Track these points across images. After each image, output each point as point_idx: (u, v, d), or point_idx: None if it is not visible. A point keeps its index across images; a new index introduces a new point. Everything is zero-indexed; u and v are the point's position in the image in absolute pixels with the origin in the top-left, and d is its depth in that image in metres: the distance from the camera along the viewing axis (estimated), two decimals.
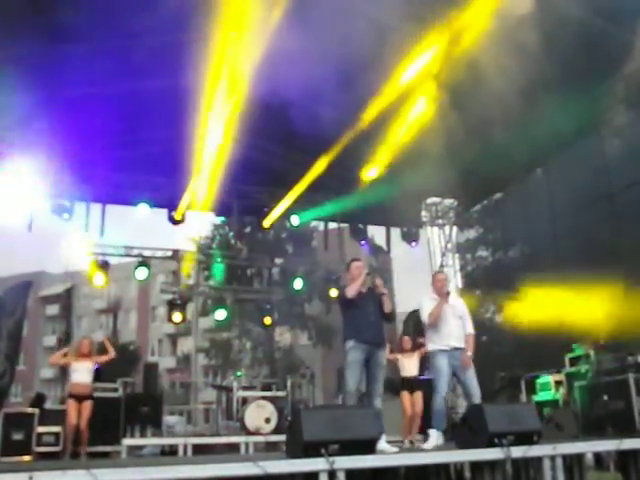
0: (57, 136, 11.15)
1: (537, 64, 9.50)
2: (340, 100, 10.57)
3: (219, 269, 18.21)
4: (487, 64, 9.16)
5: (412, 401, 10.62)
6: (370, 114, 11.24)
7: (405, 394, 10.65)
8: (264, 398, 13.32)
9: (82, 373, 10.49)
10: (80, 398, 10.32)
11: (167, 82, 10.64)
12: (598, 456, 8.30)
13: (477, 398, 7.96)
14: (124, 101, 10.92)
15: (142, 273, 15.55)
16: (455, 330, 8.17)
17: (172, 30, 9.47)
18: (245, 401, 13.44)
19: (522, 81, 9.14)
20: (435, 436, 7.92)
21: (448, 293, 8.36)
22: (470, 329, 8.32)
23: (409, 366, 10.75)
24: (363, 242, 16.96)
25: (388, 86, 10.54)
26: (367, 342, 7.58)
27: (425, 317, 8.24)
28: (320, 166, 13.11)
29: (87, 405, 10.35)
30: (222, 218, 23.89)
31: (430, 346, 8.24)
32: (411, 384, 10.70)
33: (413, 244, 17.04)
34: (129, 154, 12.85)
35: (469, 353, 8.13)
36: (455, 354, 8.07)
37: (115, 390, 12.79)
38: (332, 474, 5.40)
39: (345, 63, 9.72)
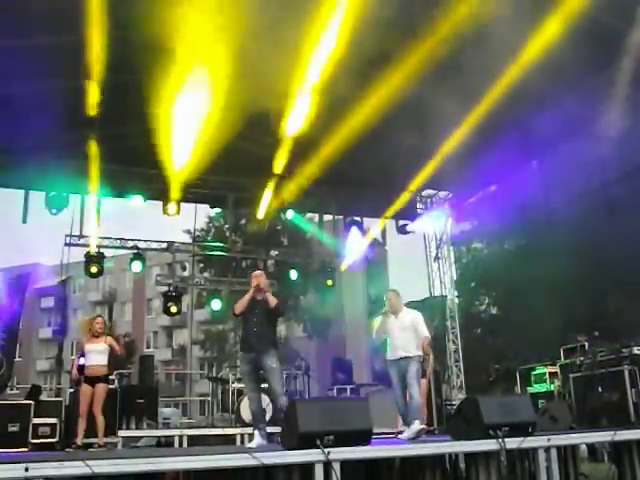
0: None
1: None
2: None
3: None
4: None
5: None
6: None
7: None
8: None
9: (97, 354, 9.84)
10: (94, 381, 9.70)
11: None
12: (592, 447, 8.37)
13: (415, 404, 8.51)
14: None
15: (137, 265, 15.54)
16: (401, 342, 8.79)
17: None
18: (240, 393, 13.44)
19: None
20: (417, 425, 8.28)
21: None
22: (425, 333, 8.97)
23: None
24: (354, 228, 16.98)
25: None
26: (252, 351, 7.97)
27: (374, 336, 9.28)
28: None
29: (101, 388, 9.75)
30: (217, 210, 23.80)
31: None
32: None
33: (410, 234, 17.07)
34: (123, 146, 12.81)
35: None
36: (401, 363, 8.70)
37: (111, 382, 12.80)
38: (327, 465, 5.42)
39: None
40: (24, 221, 13.69)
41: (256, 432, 7.92)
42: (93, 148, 12.51)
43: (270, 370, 7.94)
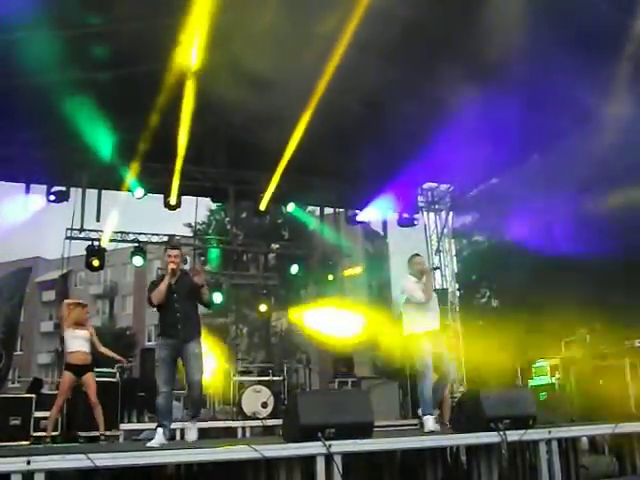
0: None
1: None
2: None
3: (215, 253, 18.22)
4: None
5: None
6: None
7: None
8: (261, 383, 13.38)
9: (81, 340, 9.32)
10: (81, 370, 9.23)
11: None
12: (593, 440, 8.38)
13: (450, 379, 8.02)
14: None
15: (138, 259, 15.54)
16: (435, 312, 8.26)
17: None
18: (242, 386, 13.48)
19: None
20: (431, 421, 7.88)
21: (437, 268, 8.50)
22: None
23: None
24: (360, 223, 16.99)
25: None
26: (176, 338, 7.36)
27: (420, 296, 8.11)
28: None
29: (89, 377, 9.30)
30: (218, 203, 23.79)
31: (415, 328, 8.13)
32: None
33: (415, 222, 17.03)
34: (124, 139, 12.78)
35: None
36: (434, 335, 8.10)
37: (112, 375, 12.79)
38: (329, 458, 5.42)
39: None
40: (25, 214, 13.67)
41: (160, 430, 7.09)
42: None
43: (193, 357, 7.37)
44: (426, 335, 8.02)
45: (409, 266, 8.49)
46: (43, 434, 9.78)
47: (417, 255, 8.67)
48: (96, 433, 9.69)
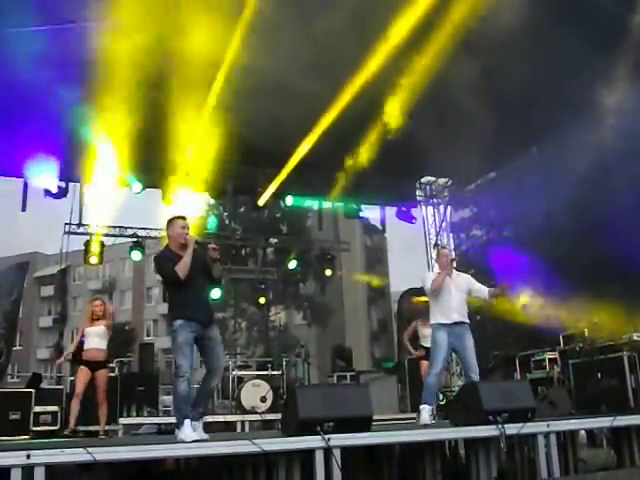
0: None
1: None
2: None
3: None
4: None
5: None
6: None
7: (425, 364, 9.97)
8: (259, 377, 13.40)
9: (95, 337, 9.64)
10: (93, 366, 9.52)
11: None
12: (591, 433, 8.39)
13: (476, 375, 7.95)
14: None
15: (137, 254, 15.55)
16: (457, 304, 8.13)
17: None
18: (241, 380, 13.52)
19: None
20: (427, 411, 7.88)
21: (454, 259, 8.43)
22: (485, 293, 8.34)
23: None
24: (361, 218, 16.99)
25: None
26: (195, 320, 6.62)
27: (428, 286, 8.16)
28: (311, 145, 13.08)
29: (103, 374, 9.64)
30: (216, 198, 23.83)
31: (432, 319, 8.18)
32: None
33: (413, 221, 17.00)
34: (123, 133, 12.76)
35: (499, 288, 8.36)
36: (455, 329, 8.02)
37: (111, 370, 12.83)
38: (328, 451, 5.43)
39: None
40: (23, 210, 13.66)
41: (188, 422, 6.30)
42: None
43: (217, 342, 6.86)
44: (441, 327, 8.03)
45: (436, 258, 8.63)
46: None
47: (442, 247, 8.70)
48: (96, 428, 9.72)
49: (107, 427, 10.36)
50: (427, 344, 10.11)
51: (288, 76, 10.05)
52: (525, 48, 9.87)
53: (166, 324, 7.71)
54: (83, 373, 9.49)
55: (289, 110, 10.29)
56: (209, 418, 12.26)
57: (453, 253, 17.90)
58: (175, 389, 6.48)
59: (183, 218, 7.01)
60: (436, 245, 8.25)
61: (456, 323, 8.03)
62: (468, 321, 8.18)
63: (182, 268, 6.54)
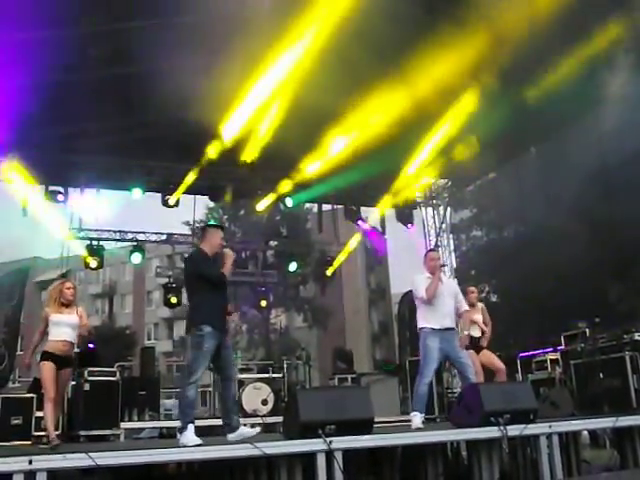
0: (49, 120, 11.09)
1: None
2: None
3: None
4: None
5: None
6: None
7: (472, 353, 9.32)
8: (260, 380, 13.40)
9: (66, 327, 7.69)
10: (61, 362, 7.57)
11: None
12: (594, 434, 8.39)
13: (473, 375, 7.91)
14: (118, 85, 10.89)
15: (137, 257, 15.55)
16: (449, 310, 8.06)
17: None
18: (242, 383, 13.49)
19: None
20: (419, 417, 7.77)
21: (443, 265, 8.33)
22: (466, 306, 8.33)
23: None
24: (359, 222, 16.97)
25: None
26: (222, 330, 6.82)
27: (422, 293, 8.03)
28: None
29: (68, 374, 7.88)
30: (216, 202, 23.85)
31: (422, 324, 8.02)
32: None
33: (409, 226, 17.01)
34: (123, 138, 12.76)
35: (466, 332, 8.14)
36: (446, 335, 7.92)
37: (112, 374, 12.82)
38: (329, 454, 5.43)
39: None
40: (24, 214, 13.64)
41: (192, 426, 6.28)
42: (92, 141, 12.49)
43: (230, 351, 7.06)
44: (433, 333, 7.91)
45: (424, 261, 8.41)
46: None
47: (431, 250, 8.63)
48: (97, 432, 9.68)
49: (109, 431, 10.34)
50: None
51: None
52: None
53: (187, 324, 7.44)
54: (50, 369, 7.46)
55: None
56: (211, 421, 12.31)
57: (451, 254, 17.94)
58: (183, 393, 6.54)
59: (222, 229, 7.38)
60: (436, 246, 8.16)
61: (447, 329, 7.95)
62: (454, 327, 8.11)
63: (227, 275, 6.94)
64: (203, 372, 6.67)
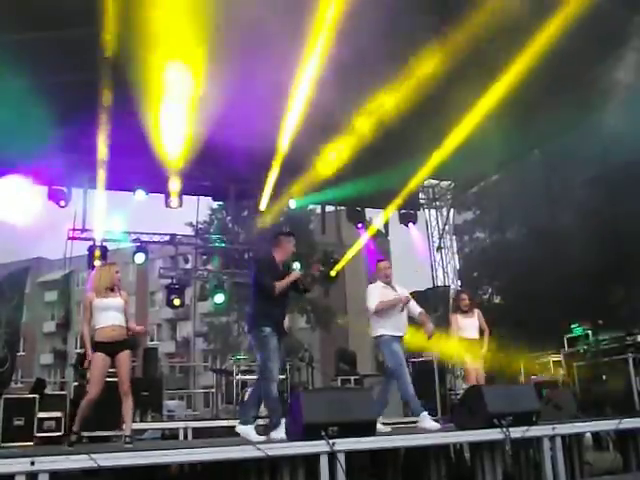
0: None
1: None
2: None
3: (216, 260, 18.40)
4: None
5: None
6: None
7: (473, 360, 9.61)
8: None
9: (113, 311, 7.30)
10: (113, 348, 7.10)
11: None
12: (597, 436, 8.37)
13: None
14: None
15: (140, 258, 15.55)
16: (404, 319, 8.29)
17: None
18: (245, 385, 13.47)
19: None
20: (428, 418, 7.73)
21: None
22: (418, 308, 8.46)
23: (470, 327, 9.82)
24: (360, 225, 16.98)
25: None
26: (281, 334, 7.17)
27: (372, 305, 8.17)
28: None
29: (126, 356, 7.24)
30: (219, 202, 23.83)
31: (381, 331, 8.15)
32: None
33: (410, 224, 17.01)
34: (125, 139, 12.76)
35: (431, 325, 8.25)
36: (401, 342, 8.17)
37: (115, 375, 12.81)
38: (332, 456, 5.42)
39: None
40: (27, 215, 13.65)
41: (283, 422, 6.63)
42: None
43: (282, 354, 7.38)
44: (393, 339, 8.08)
45: (375, 271, 8.67)
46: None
47: (381, 260, 8.78)
48: (99, 433, 9.62)
49: (112, 432, 10.31)
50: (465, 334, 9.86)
51: None
52: None
53: (248, 325, 7.47)
54: (99, 363, 6.97)
55: None
56: (213, 423, 12.31)
57: (454, 256, 17.92)
58: (267, 392, 6.88)
59: (294, 236, 7.65)
60: (379, 260, 8.26)
61: (401, 337, 8.20)
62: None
63: (279, 289, 7.06)
64: (279, 369, 7.04)
